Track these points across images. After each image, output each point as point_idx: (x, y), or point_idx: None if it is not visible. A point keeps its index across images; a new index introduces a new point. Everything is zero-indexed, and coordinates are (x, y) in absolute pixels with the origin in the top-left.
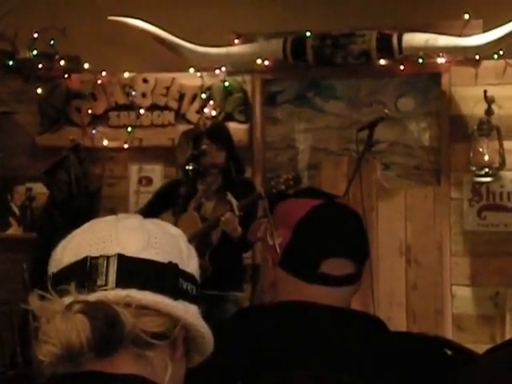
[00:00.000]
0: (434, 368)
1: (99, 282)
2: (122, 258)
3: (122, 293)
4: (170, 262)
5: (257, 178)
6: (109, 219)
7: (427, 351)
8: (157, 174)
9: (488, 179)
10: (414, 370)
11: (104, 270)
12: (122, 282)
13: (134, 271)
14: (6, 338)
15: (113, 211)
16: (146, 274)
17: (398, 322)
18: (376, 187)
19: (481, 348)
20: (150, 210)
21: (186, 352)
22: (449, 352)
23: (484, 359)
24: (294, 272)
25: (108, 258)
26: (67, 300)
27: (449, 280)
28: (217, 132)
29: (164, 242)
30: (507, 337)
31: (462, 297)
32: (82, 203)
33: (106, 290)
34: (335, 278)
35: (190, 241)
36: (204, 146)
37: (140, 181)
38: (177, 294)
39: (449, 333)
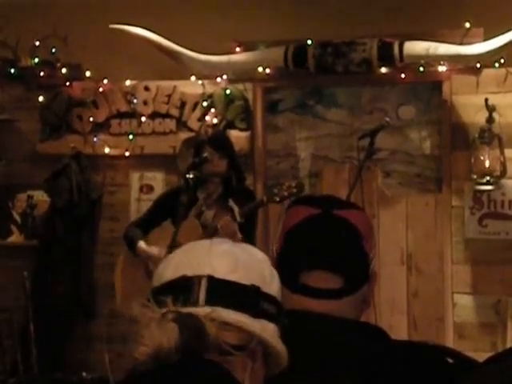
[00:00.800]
0: (436, 376)
1: (191, 299)
2: (211, 279)
3: (209, 310)
4: (253, 285)
5: (258, 185)
6: (204, 243)
7: (428, 359)
8: (158, 181)
9: (489, 187)
10: (416, 378)
11: (196, 288)
12: (210, 300)
13: (221, 291)
14: (7, 346)
15: (114, 219)
16: (230, 295)
17: (399, 330)
18: (377, 195)
19: (482, 356)
20: (150, 219)
21: (265, 363)
22: (450, 360)
23: (486, 368)
24: (281, 280)
25: (200, 278)
26: (164, 310)
27: (450, 288)
28: (219, 140)
29: (249, 266)
30: (508, 345)
31: (463, 305)
32: (83, 211)
33: (196, 306)
34: (316, 291)
35: None
36: (206, 154)
37: (141, 188)
38: (257, 313)
39: (450, 341)
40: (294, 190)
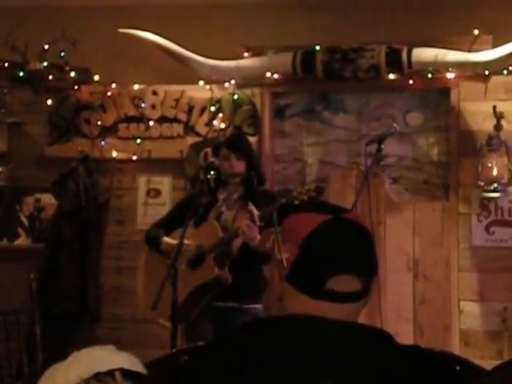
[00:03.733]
0: (442, 382)
1: None
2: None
3: None
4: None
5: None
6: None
7: (436, 365)
8: (165, 185)
9: (496, 194)
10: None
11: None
12: None
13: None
14: (13, 349)
15: (120, 222)
16: None
17: (405, 337)
18: (384, 201)
19: (488, 364)
20: (171, 220)
21: None
22: (457, 367)
23: (492, 376)
24: (300, 287)
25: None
26: None
27: (456, 295)
28: (235, 141)
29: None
30: None
31: (469, 312)
32: (90, 214)
33: None
34: (342, 295)
35: (211, 251)
36: (213, 159)
37: (148, 192)
38: None
39: (456, 348)
40: (313, 194)
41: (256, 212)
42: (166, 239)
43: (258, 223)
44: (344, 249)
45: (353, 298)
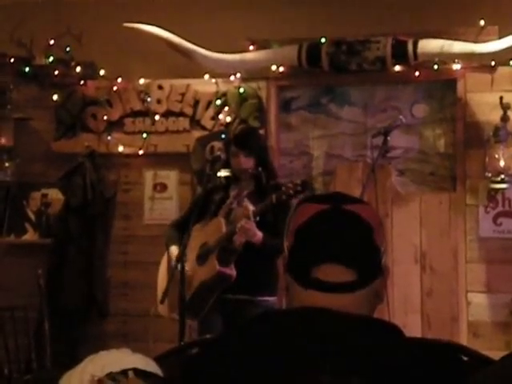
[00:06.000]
0: (450, 373)
1: None
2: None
3: None
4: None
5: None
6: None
7: (443, 356)
8: (172, 180)
9: (504, 185)
10: (430, 375)
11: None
12: None
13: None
14: (22, 344)
15: (127, 217)
16: None
17: (413, 329)
18: (391, 193)
19: (496, 355)
20: (188, 218)
21: None
22: (465, 358)
23: (499, 366)
24: (293, 277)
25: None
26: None
27: (464, 287)
28: (243, 138)
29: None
30: None
31: (477, 304)
32: (97, 209)
33: None
34: (328, 285)
35: (215, 247)
36: (218, 153)
37: (155, 187)
38: None
39: (464, 339)
40: (299, 188)
41: (251, 208)
42: (173, 249)
43: (252, 219)
44: (329, 237)
45: (343, 289)
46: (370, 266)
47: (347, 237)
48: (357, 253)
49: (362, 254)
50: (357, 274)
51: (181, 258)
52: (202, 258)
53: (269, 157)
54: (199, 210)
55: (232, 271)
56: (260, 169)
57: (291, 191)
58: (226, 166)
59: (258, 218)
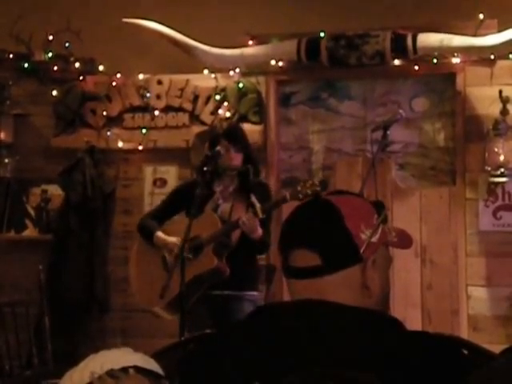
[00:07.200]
0: (451, 368)
1: None
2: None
3: None
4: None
5: (271, 178)
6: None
7: (443, 350)
8: (171, 175)
9: (503, 179)
10: (430, 369)
11: None
12: None
13: None
14: (22, 339)
15: (127, 212)
16: None
17: (413, 323)
18: (391, 188)
19: (496, 348)
20: (165, 210)
21: None
22: (465, 352)
23: (500, 359)
24: (280, 268)
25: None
26: None
27: (464, 280)
28: (234, 133)
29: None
30: None
31: (477, 297)
32: (96, 205)
33: None
34: (298, 270)
35: (209, 241)
36: (219, 148)
37: (155, 182)
38: None
39: (464, 333)
40: (318, 188)
41: (258, 204)
42: (160, 234)
43: (261, 216)
44: (296, 225)
45: (307, 273)
46: (336, 250)
47: (311, 223)
48: (319, 237)
49: (325, 239)
50: (320, 258)
51: (181, 253)
52: (194, 251)
53: (254, 153)
54: (177, 203)
55: (226, 267)
56: (249, 166)
57: (308, 190)
58: (208, 161)
59: (264, 215)
